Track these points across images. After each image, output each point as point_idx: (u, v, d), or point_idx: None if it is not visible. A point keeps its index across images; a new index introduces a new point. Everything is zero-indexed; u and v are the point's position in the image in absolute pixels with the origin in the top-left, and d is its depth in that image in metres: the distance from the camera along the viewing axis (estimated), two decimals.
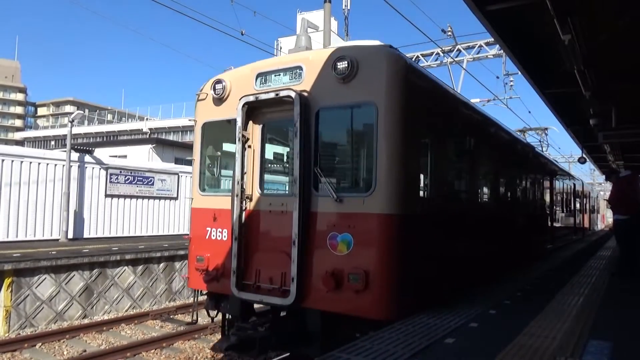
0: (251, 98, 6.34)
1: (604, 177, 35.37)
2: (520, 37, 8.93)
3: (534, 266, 11.18)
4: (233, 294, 6.31)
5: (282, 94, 6.04)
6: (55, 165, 15.70)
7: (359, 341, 4.55)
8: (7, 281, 10.67)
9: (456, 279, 7.10)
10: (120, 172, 17.74)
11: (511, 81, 21.60)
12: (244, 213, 6.47)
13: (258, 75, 6.52)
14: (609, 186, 33.91)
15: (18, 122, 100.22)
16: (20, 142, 60.07)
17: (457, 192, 7.87)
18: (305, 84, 6.06)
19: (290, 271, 5.76)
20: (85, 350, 9.52)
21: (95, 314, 12.32)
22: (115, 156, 21.56)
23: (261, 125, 6.65)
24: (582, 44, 7.76)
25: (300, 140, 5.82)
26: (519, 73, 12.49)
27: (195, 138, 7.32)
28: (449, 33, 17.95)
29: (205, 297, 7.29)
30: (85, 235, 16.54)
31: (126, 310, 12.88)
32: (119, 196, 17.61)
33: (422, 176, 6.32)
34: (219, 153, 7.45)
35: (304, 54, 6.46)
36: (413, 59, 16.80)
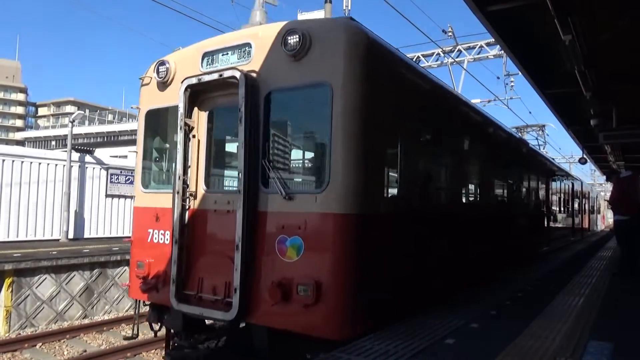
0: (194, 80, 5.60)
1: (604, 177, 35.39)
2: (521, 37, 8.93)
3: (534, 267, 11.16)
4: (172, 305, 5.56)
5: (227, 74, 5.28)
6: (56, 165, 15.72)
7: (360, 341, 4.54)
8: (7, 281, 10.68)
9: (431, 289, 6.35)
10: (121, 172, 17.75)
11: (512, 81, 21.61)
12: (187, 213, 5.72)
13: (204, 55, 5.80)
14: (609, 187, 33.90)
15: (19, 122, 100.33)
16: (20, 142, 60.07)
17: (434, 190, 7.13)
18: (254, 63, 5.34)
19: (234, 280, 5.01)
20: (85, 350, 9.53)
21: (96, 314, 12.33)
22: (116, 156, 21.58)
23: (207, 112, 5.91)
24: (582, 44, 7.76)
25: (246, 128, 5.07)
26: (520, 73, 12.50)
27: (139, 128, 6.65)
28: (450, 33, 17.97)
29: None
30: (86, 235, 16.56)
31: (126, 310, 12.88)
32: (119, 196, 17.62)
33: (389, 171, 5.66)
34: (167, 145, 6.68)
35: (254, 29, 5.76)
36: (414, 60, 16.81)
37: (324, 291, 4.59)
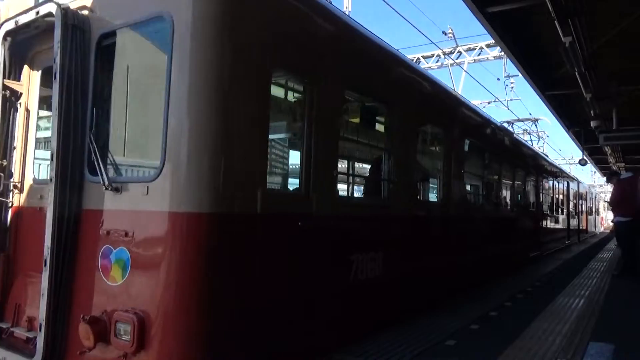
0: (11, 25, 3.99)
1: (604, 179, 35.44)
2: (521, 38, 8.97)
3: (533, 269, 11.13)
4: None
5: (43, 10, 3.69)
6: None
7: (361, 342, 4.53)
8: None
9: (345, 325, 4.40)
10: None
11: (512, 83, 21.63)
12: (9, 211, 4.25)
13: None
14: (609, 188, 33.90)
15: None
16: None
17: (364, 184, 5.39)
18: None
19: (39, 312, 3.44)
20: None
21: None
22: None
23: (41, 72, 4.29)
24: (582, 46, 7.78)
25: (62, 88, 3.50)
26: (520, 75, 12.53)
27: None
28: (450, 35, 17.99)
29: None
30: None
31: None
32: None
33: (278, 152, 4.35)
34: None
35: None
36: (414, 61, 16.79)
37: (149, 333, 3.06)
